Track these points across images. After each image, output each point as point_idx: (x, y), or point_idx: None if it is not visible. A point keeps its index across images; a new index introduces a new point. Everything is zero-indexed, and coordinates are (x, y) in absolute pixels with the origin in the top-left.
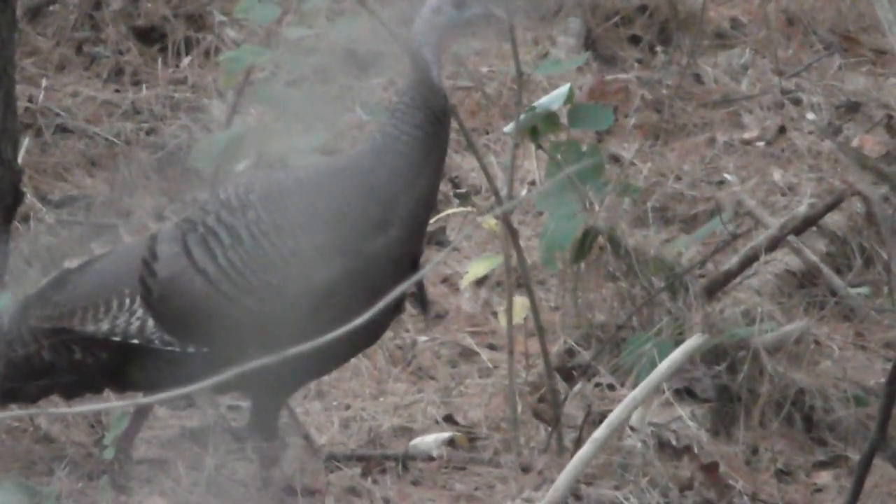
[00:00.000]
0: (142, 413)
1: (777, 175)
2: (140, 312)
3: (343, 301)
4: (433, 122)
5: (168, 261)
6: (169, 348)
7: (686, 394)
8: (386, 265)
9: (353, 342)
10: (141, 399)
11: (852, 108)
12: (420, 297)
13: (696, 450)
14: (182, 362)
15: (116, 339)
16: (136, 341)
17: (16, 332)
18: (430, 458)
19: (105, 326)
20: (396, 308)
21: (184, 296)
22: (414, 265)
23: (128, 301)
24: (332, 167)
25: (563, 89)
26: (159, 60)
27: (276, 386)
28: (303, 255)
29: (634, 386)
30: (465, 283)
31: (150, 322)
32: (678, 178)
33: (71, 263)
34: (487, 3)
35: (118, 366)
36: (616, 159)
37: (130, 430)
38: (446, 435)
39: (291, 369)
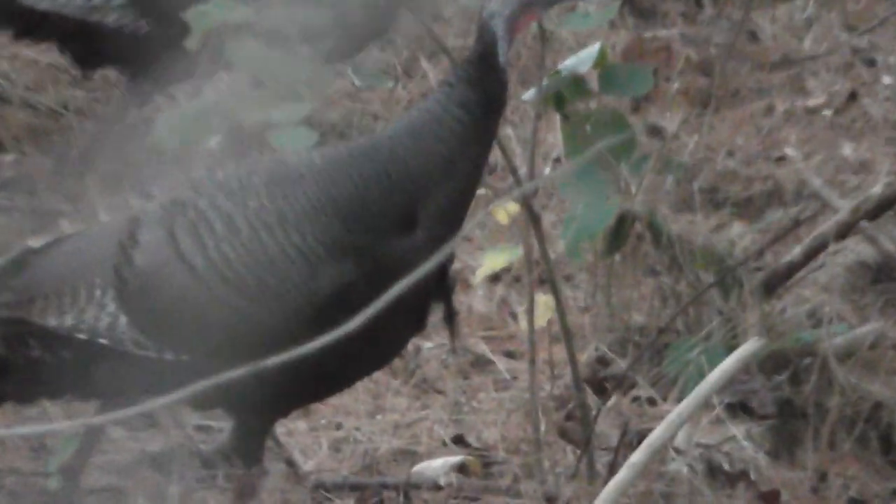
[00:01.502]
0: (94, 433)
1: (847, 149)
2: (112, 307)
3: (354, 312)
4: (485, 106)
5: (150, 248)
6: (143, 353)
7: (741, 409)
8: (409, 273)
9: (361, 361)
10: (93, 418)
11: None
12: (447, 312)
13: (753, 476)
14: (157, 371)
15: (82, 336)
16: (104, 341)
17: None
18: (438, 487)
19: (69, 321)
20: (418, 324)
21: (165, 291)
22: (442, 275)
23: (98, 292)
24: (353, 149)
25: (594, 49)
26: None
27: (263, 405)
28: (310, 253)
29: (679, 400)
30: (478, 278)
31: (123, 319)
32: (730, 154)
33: (35, 242)
34: None
35: (82, 369)
36: (657, 132)
37: (80, 454)
38: (456, 459)
39: (284, 387)
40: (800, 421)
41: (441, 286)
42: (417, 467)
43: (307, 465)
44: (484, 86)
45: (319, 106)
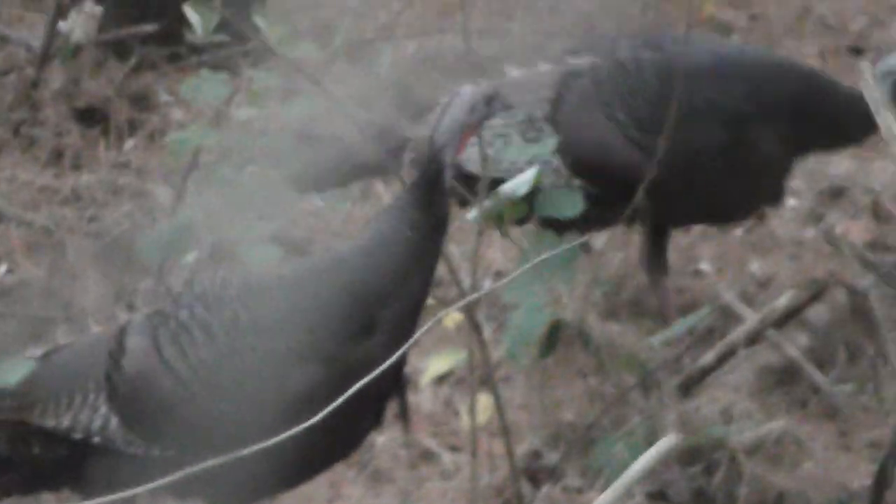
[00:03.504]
0: None
1: (755, 265)
2: (104, 409)
3: (320, 409)
4: (432, 226)
5: (136, 356)
6: (132, 450)
7: (660, 497)
8: (368, 373)
9: (327, 453)
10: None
11: (836, 194)
12: (402, 408)
13: None
14: (146, 465)
15: (77, 436)
16: (97, 440)
17: None
18: None
19: (66, 422)
20: (376, 420)
21: (151, 395)
22: (397, 375)
23: (92, 396)
24: (317, 264)
25: (530, 173)
26: (101, 143)
27: (240, 493)
28: (279, 358)
29: (604, 489)
30: (425, 379)
31: (114, 420)
32: None
33: (35, 352)
34: (509, 100)
35: (78, 465)
36: (586, 249)
37: None
38: None
39: (258, 476)
40: None
41: (396, 385)
42: None
43: None
44: (431, 208)
45: (286, 223)
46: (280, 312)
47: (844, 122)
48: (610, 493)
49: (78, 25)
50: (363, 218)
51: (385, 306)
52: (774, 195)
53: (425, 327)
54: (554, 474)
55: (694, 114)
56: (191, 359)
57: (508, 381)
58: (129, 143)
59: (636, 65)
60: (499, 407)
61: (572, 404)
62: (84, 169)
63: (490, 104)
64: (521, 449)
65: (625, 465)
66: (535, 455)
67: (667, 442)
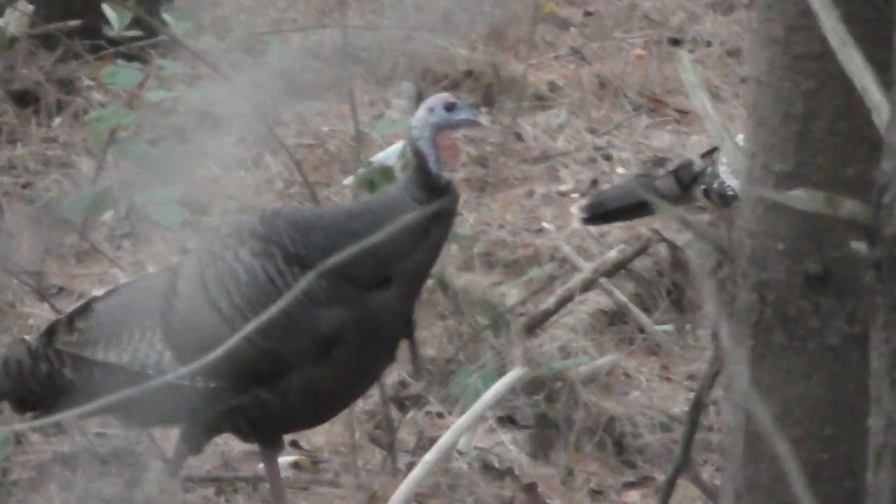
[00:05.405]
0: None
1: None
2: (159, 346)
3: (342, 348)
4: (433, 200)
5: (187, 297)
6: (180, 381)
7: (508, 421)
8: (383, 319)
9: (350, 386)
10: (18, 425)
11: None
12: (411, 345)
13: (517, 471)
14: (190, 394)
15: (134, 368)
16: (151, 372)
17: (42, 352)
18: None
19: (125, 357)
20: (390, 358)
21: (199, 331)
22: (408, 320)
23: (148, 333)
24: (349, 209)
25: (398, 146)
26: (33, 121)
27: (280, 423)
28: (313, 297)
29: (461, 414)
30: None
31: (167, 354)
32: (501, 227)
33: (97, 292)
34: (474, 111)
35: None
36: None
37: None
38: (292, 458)
39: (296, 409)
40: (553, 430)
41: (407, 328)
42: (262, 464)
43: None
44: (428, 186)
45: (188, 189)
46: (320, 251)
47: None
48: (466, 418)
49: (12, 21)
50: (254, 184)
51: (400, 262)
52: None
53: (306, 279)
54: (418, 401)
55: None
56: (234, 298)
57: None
58: (57, 121)
59: None
60: None
61: (434, 342)
62: (18, 143)
63: (452, 110)
64: (390, 380)
65: (479, 394)
66: (403, 385)
67: (514, 374)
